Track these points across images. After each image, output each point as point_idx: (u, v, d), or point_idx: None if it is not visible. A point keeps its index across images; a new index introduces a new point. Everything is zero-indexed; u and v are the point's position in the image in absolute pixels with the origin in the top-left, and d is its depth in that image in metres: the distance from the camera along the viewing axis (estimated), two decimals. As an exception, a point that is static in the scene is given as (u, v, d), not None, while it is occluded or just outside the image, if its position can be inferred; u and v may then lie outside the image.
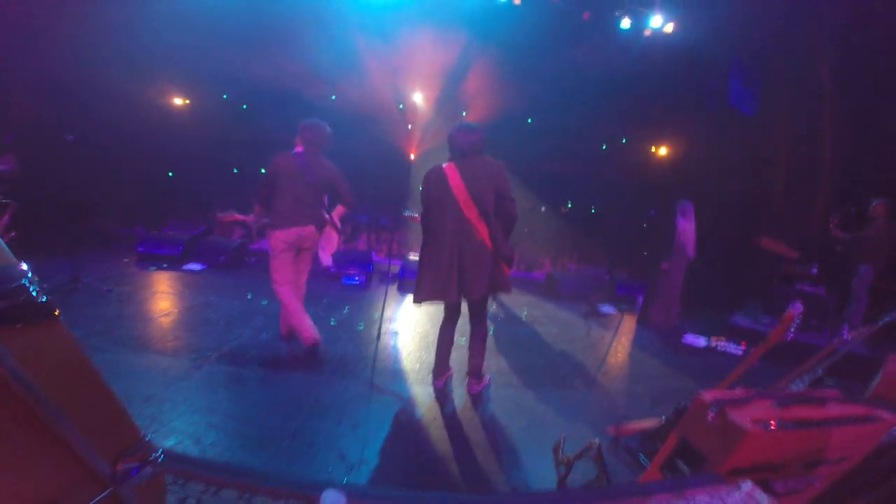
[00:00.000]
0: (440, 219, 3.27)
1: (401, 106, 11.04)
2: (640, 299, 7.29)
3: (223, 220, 4.48)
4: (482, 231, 3.22)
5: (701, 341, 5.79)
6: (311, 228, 3.91)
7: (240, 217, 4.45)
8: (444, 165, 3.30)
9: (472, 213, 3.20)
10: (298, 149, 3.94)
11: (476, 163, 3.25)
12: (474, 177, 3.20)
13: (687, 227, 6.19)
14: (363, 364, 3.99)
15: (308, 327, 3.92)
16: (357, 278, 7.48)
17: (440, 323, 3.66)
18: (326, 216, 4.07)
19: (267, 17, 8.19)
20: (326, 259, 4.21)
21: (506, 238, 3.36)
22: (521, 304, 7.03)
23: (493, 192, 3.20)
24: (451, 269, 3.23)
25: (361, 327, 5.11)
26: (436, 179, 3.29)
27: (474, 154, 3.27)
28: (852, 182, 7.35)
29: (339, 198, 4.07)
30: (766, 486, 1.61)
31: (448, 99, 10.66)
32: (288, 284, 3.91)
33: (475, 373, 3.62)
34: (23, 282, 0.88)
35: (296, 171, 3.82)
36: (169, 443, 2.47)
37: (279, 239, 3.81)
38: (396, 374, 3.87)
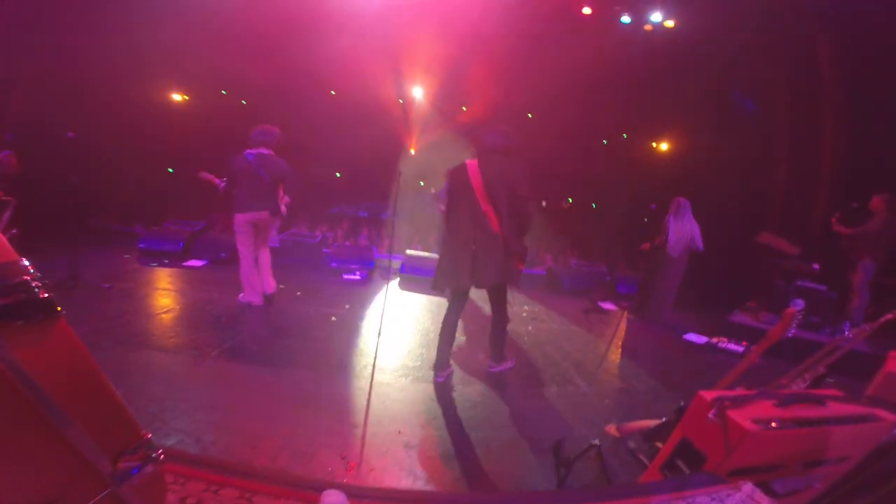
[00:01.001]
0: (459, 210, 3.53)
1: (401, 100, 11.02)
2: (636, 293, 7.32)
3: (202, 178, 5.15)
4: (495, 223, 3.42)
5: (702, 339, 5.79)
6: (264, 213, 4.88)
7: (215, 180, 5.06)
8: (467, 161, 3.53)
9: (488, 207, 3.42)
10: (251, 151, 4.81)
11: (496, 160, 3.47)
12: (492, 173, 3.42)
13: (677, 227, 6.17)
14: (364, 361, 4.00)
15: (252, 288, 5.02)
16: (358, 274, 7.48)
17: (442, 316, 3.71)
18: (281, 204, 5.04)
19: (265, 13, 8.15)
20: (273, 239, 5.23)
21: (519, 235, 3.54)
22: (521, 299, 7.03)
23: (507, 190, 3.40)
24: (465, 257, 3.47)
25: (362, 324, 5.11)
26: (458, 173, 3.53)
27: (496, 152, 3.50)
28: (853, 178, 7.33)
29: (285, 190, 5.10)
30: (765, 487, 1.61)
31: (448, 93, 10.64)
32: (249, 253, 4.94)
33: (495, 357, 3.94)
34: (25, 278, 0.88)
35: (250, 170, 4.75)
36: (170, 441, 2.48)
37: (240, 220, 4.85)
38: (397, 371, 3.87)
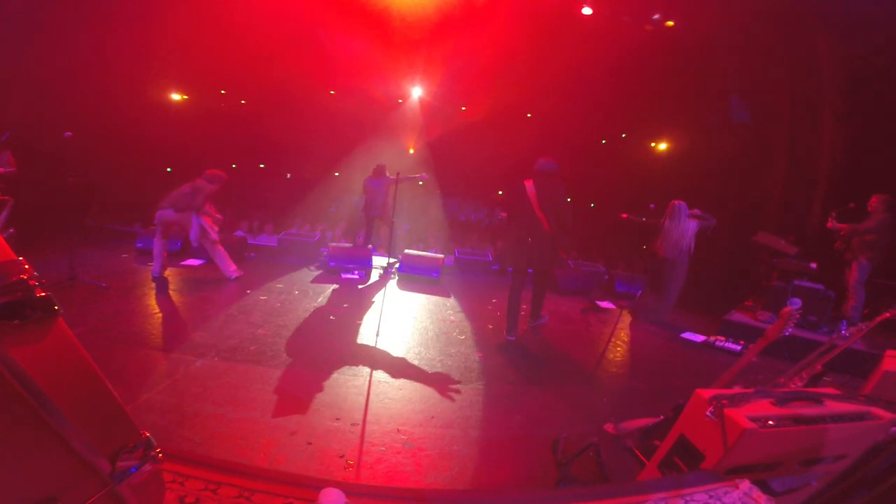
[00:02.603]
0: (520, 215, 4.84)
1: (400, 101, 11.01)
2: (639, 294, 7.31)
3: None
4: (546, 225, 4.74)
5: (699, 337, 5.80)
6: (169, 211, 5.98)
7: None
8: (525, 180, 4.83)
9: (540, 213, 4.74)
10: (197, 180, 6.16)
11: (546, 181, 4.81)
12: (543, 189, 4.76)
13: (671, 230, 6.16)
14: (362, 360, 3.99)
15: (157, 260, 6.03)
16: (356, 273, 7.48)
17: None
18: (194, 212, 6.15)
19: (265, 12, 8.14)
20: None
21: (564, 232, 4.83)
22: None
23: (553, 202, 4.75)
24: (524, 247, 4.83)
25: (360, 323, 5.11)
26: (519, 189, 4.84)
27: (545, 175, 4.83)
28: (851, 178, 7.35)
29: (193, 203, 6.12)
30: (763, 485, 1.62)
31: (447, 93, 10.63)
32: (160, 240, 6.03)
33: (534, 317, 5.40)
34: (23, 277, 0.88)
35: (181, 188, 6.09)
36: (168, 440, 2.47)
37: (161, 215, 6.00)
38: (395, 370, 3.87)
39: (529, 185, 4.79)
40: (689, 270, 6.44)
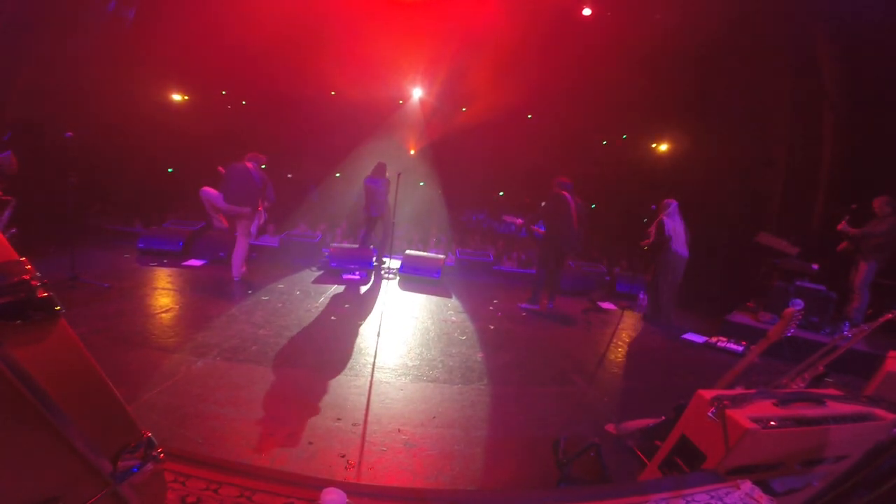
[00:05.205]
0: (562, 219, 6.33)
1: (400, 101, 11.02)
2: (641, 295, 7.29)
3: (218, 169, 6.20)
4: (576, 225, 6.32)
5: (700, 338, 5.79)
6: (247, 209, 6.00)
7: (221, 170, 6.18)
8: (564, 193, 6.35)
9: (575, 216, 6.31)
10: (249, 164, 6.05)
11: (575, 194, 6.41)
12: (576, 200, 6.35)
13: (674, 227, 6.17)
14: (363, 360, 4.00)
15: (235, 265, 6.25)
16: (358, 274, 7.48)
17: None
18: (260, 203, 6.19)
19: (266, 12, 8.15)
20: (254, 229, 6.30)
21: (584, 229, 6.48)
22: (520, 299, 7.03)
23: (579, 209, 6.36)
24: (563, 240, 6.39)
25: (362, 323, 5.11)
26: (563, 200, 6.32)
27: (573, 190, 6.41)
28: (851, 178, 7.34)
29: (267, 195, 6.23)
30: (764, 486, 1.61)
31: (447, 94, 10.64)
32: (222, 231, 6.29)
33: (550, 298, 6.66)
34: (25, 277, 0.88)
35: (246, 174, 5.95)
36: (170, 440, 2.47)
37: (242, 212, 6.01)
38: (397, 370, 3.87)
39: (568, 196, 6.40)
40: (690, 271, 6.44)
